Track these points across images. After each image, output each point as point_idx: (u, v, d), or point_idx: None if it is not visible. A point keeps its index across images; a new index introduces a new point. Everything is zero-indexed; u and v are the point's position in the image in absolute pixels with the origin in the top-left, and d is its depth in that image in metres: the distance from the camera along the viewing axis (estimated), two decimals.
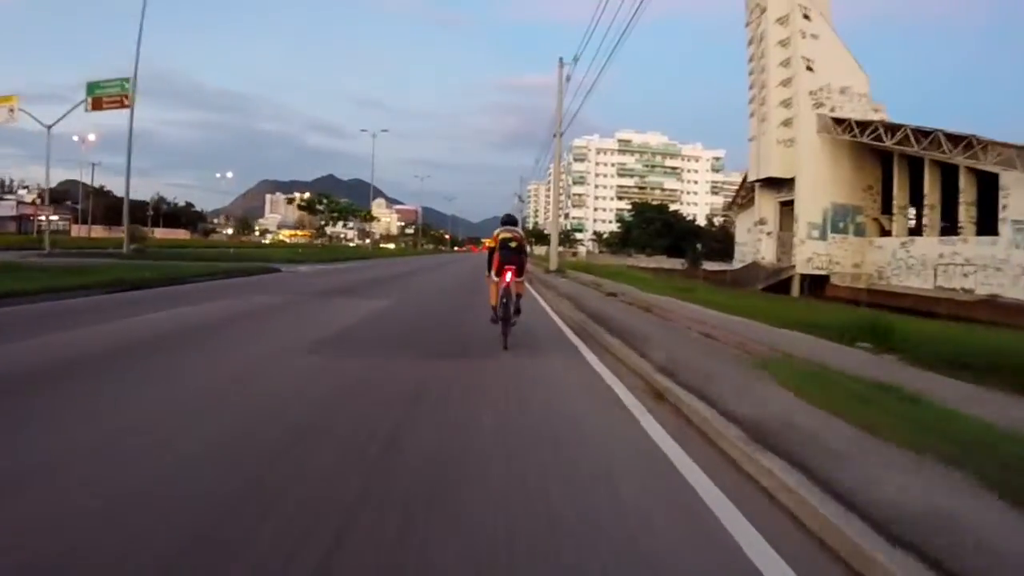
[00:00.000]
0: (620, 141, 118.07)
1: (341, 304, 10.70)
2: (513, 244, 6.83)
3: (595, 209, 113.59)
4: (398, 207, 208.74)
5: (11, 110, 22.67)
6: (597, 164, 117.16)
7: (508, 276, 6.64)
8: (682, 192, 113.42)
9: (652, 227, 74.90)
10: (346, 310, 9.85)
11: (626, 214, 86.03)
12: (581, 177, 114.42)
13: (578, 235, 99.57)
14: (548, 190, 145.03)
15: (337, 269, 23.21)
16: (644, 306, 11.49)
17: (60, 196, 67.98)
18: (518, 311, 6.87)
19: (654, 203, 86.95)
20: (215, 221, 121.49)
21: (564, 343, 7.52)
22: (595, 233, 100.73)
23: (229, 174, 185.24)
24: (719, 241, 64.00)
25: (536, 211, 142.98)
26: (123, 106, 18.16)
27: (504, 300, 6.62)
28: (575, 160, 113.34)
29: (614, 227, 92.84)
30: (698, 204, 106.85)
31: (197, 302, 9.85)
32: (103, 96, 19.08)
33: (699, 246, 52.95)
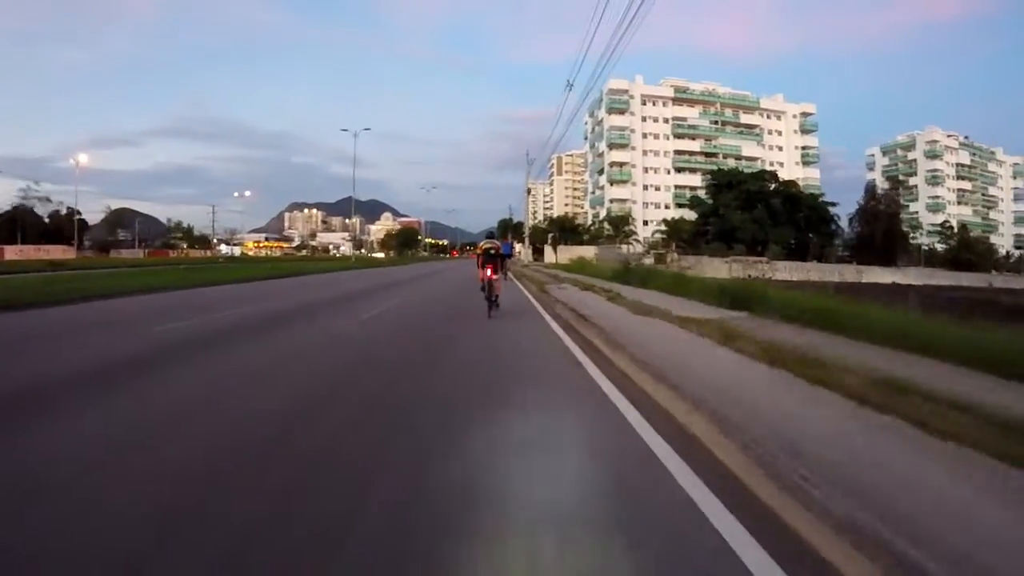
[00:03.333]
0: (675, 88, 69.10)
1: None
2: (492, 251, 9.53)
3: (645, 188, 66.91)
4: (400, 219, 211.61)
5: None
6: (644, 120, 68.12)
7: (489, 272, 9.20)
8: (763, 162, 66.43)
9: (760, 210, 42.40)
10: None
11: (700, 193, 51.52)
12: (623, 137, 67.32)
13: (623, 227, 56.03)
14: (548, 189, 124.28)
15: None
16: None
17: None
18: (497, 297, 9.29)
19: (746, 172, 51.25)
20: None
21: None
22: (667, 223, 52.73)
23: (247, 193, 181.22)
24: (863, 233, 43.39)
25: (536, 212, 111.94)
26: None
27: (486, 289, 9.16)
28: (610, 112, 67.67)
29: (673, 213, 57.25)
30: (784, 177, 57.12)
31: None
32: None
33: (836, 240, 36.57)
